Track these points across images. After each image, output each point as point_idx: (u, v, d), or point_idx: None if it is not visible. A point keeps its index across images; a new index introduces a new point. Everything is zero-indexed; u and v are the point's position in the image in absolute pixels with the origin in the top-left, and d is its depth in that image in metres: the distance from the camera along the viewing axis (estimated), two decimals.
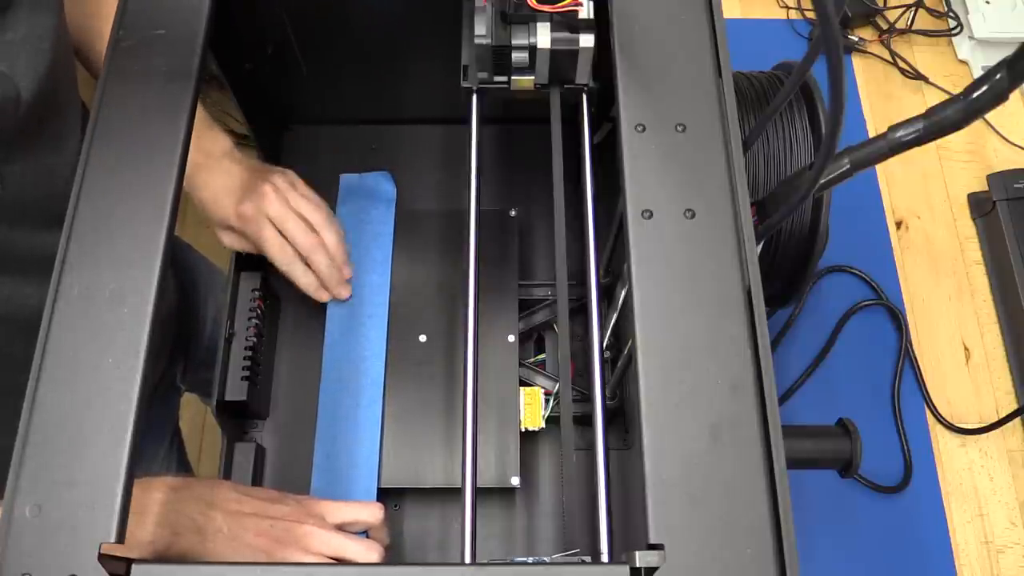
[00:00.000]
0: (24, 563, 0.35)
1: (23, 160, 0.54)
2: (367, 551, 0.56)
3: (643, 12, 0.49)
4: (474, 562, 0.46)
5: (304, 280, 0.67)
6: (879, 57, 1.11)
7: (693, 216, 0.43)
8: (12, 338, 0.51)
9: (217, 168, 0.65)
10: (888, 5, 1.13)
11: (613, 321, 0.61)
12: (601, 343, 0.51)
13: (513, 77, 0.56)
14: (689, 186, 0.44)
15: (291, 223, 0.65)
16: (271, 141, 0.78)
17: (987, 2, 1.10)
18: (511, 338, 0.66)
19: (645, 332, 0.40)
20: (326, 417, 0.65)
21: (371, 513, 0.58)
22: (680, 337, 0.40)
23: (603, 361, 0.51)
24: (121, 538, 0.36)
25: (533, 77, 0.55)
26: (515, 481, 0.62)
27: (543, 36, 0.52)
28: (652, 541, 0.36)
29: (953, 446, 0.89)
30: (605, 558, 0.43)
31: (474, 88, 0.57)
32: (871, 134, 0.69)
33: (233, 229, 0.66)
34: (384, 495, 0.62)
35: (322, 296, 0.68)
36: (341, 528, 0.56)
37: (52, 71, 0.54)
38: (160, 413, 0.83)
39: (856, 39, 1.11)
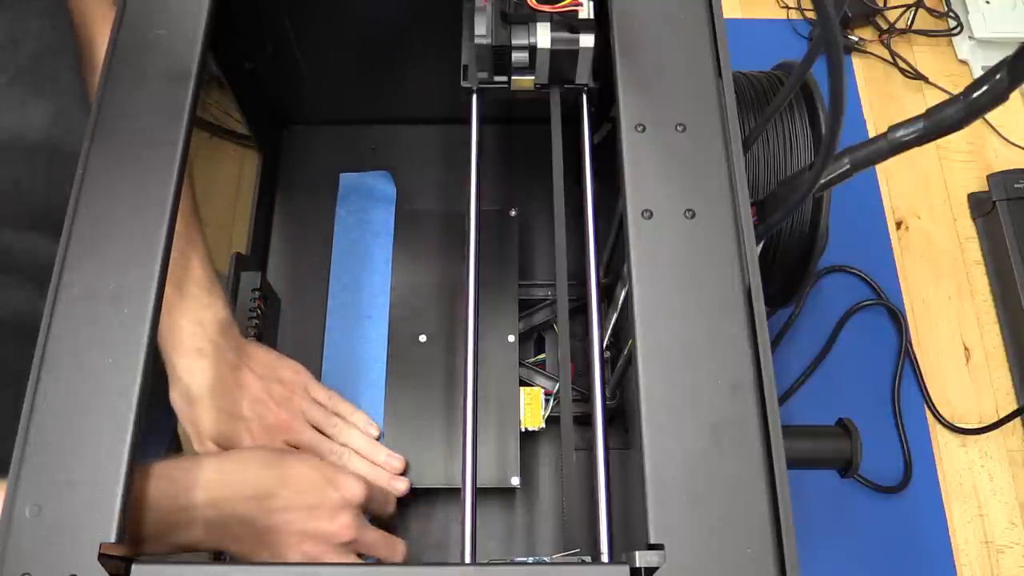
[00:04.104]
0: (24, 563, 0.35)
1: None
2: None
3: (643, 12, 0.49)
4: (474, 562, 0.46)
5: None
6: (879, 57, 1.11)
7: (693, 216, 0.43)
8: (6, 342, 0.51)
9: (214, 358, 0.54)
10: (888, 5, 1.13)
11: (613, 321, 0.61)
12: (601, 343, 0.51)
13: (513, 77, 0.56)
14: (689, 186, 0.44)
15: (325, 447, 0.60)
16: (271, 141, 0.78)
17: (987, 2, 1.10)
18: (511, 338, 0.65)
19: (645, 332, 0.40)
20: None
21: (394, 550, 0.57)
22: (680, 337, 0.40)
23: (603, 361, 0.51)
24: (121, 538, 0.36)
25: (533, 77, 0.55)
26: (515, 481, 0.62)
27: (543, 36, 0.52)
28: (652, 541, 0.36)
29: (953, 446, 0.89)
30: (605, 558, 0.43)
31: (474, 88, 0.57)
32: (871, 134, 0.69)
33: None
34: None
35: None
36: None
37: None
38: (161, 416, 0.83)
39: (856, 39, 1.11)
